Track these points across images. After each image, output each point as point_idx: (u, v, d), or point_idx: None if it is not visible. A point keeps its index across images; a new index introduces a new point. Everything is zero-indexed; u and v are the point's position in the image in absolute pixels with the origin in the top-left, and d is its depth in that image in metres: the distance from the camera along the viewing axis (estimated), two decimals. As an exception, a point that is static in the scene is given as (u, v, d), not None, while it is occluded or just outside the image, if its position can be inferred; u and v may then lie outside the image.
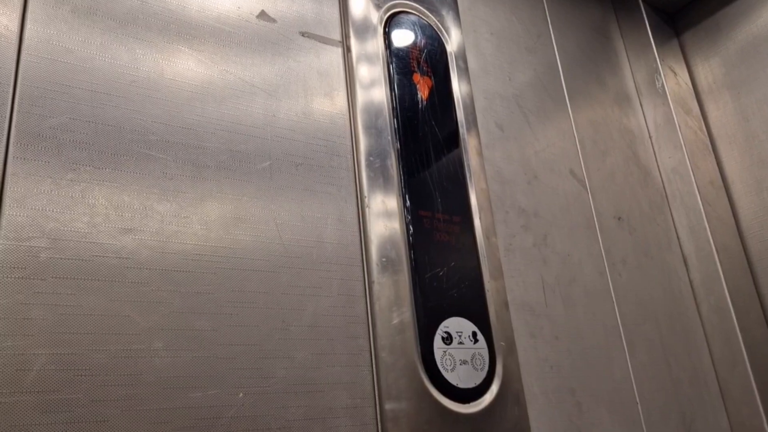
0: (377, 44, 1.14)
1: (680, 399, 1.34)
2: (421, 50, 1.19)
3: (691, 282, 1.52)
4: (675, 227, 1.57)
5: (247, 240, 0.88)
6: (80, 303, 0.73)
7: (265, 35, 1.04)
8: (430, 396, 0.93)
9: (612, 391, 1.22)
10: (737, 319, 1.42)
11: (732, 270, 1.49)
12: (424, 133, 1.12)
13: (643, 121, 1.68)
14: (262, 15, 1.05)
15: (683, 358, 1.40)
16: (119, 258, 0.78)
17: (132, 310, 0.76)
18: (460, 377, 0.96)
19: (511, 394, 1.01)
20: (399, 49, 1.16)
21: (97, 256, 0.76)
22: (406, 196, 1.05)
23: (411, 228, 1.03)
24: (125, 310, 0.76)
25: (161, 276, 0.80)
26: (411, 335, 0.95)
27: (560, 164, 1.40)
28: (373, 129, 1.07)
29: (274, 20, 1.06)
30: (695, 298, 1.51)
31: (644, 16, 1.72)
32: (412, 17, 1.22)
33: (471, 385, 0.97)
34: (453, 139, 1.16)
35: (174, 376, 0.76)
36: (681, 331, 1.43)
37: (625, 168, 1.55)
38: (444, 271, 1.03)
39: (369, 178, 1.03)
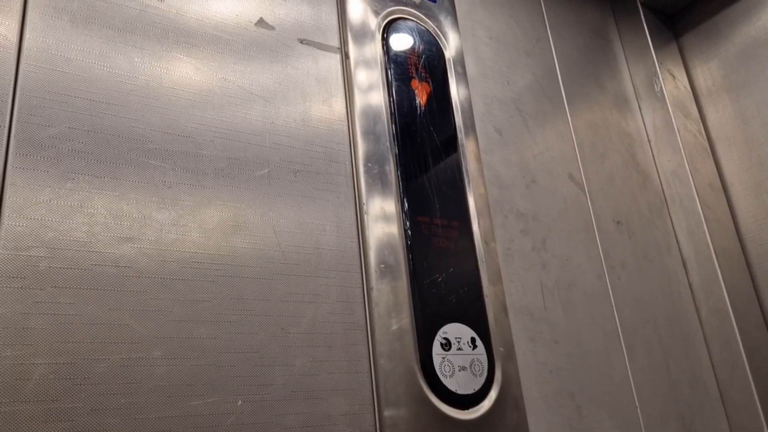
0: (375, 50, 1.15)
1: (680, 402, 1.34)
2: (419, 56, 1.20)
3: (690, 285, 1.52)
4: (674, 230, 1.57)
5: (245, 247, 0.89)
6: (79, 312, 0.74)
7: (263, 42, 1.04)
8: (429, 402, 0.93)
9: (611, 395, 1.22)
10: (736, 321, 1.42)
11: (731, 273, 1.49)
12: (422, 138, 1.13)
13: (642, 125, 1.68)
14: (261, 23, 1.05)
15: (682, 361, 1.40)
16: (118, 267, 0.78)
17: (131, 318, 0.77)
18: (458, 383, 0.96)
19: (510, 400, 1.02)
20: (397, 55, 1.17)
21: (96, 265, 0.77)
22: (405, 202, 1.05)
23: (409, 234, 1.03)
24: (124, 318, 0.76)
25: (160, 284, 0.80)
26: (410, 341, 0.95)
27: (559, 168, 1.40)
28: (371, 135, 1.08)
29: (272, 27, 1.06)
30: (694, 301, 1.51)
31: (642, 18, 1.72)
32: (410, 23, 1.22)
33: (470, 391, 0.97)
34: (451, 144, 1.17)
35: (173, 384, 0.77)
36: (680, 334, 1.44)
37: (624, 171, 1.55)
38: (443, 277, 1.03)
39: (367, 183, 1.04)
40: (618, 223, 1.45)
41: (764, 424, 1.36)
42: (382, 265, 0.98)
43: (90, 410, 0.71)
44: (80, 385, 0.71)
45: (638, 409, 1.24)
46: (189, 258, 0.84)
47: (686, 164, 1.56)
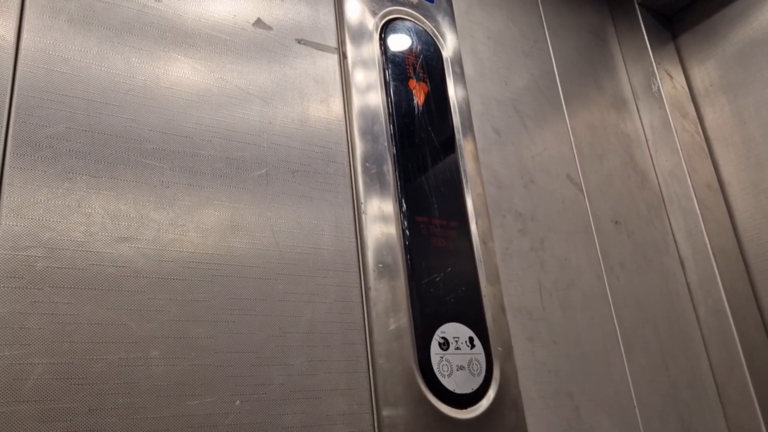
0: (373, 50, 1.15)
1: (678, 402, 1.34)
2: (417, 56, 1.20)
3: (688, 285, 1.52)
4: (672, 230, 1.58)
5: (243, 247, 0.89)
6: (77, 312, 0.74)
7: (261, 43, 1.04)
8: (428, 402, 0.93)
9: (610, 395, 1.22)
10: (734, 321, 1.43)
11: (729, 273, 1.49)
12: (420, 138, 1.13)
13: (640, 125, 1.68)
14: (258, 23, 1.05)
15: (681, 362, 1.40)
16: (116, 267, 0.78)
17: (129, 318, 0.77)
18: (457, 383, 0.96)
19: (509, 399, 1.02)
20: (395, 55, 1.17)
21: (93, 264, 0.77)
22: (403, 202, 1.05)
23: (408, 233, 1.03)
24: (122, 318, 0.76)
25: (158, 284, 0.80)
26: (408, 341, 0.95)
27: (557, 168, 1.40)
28: (369, 135, 1.08)
29: (270, 28, 1.06)
30: (693, 301, 1.51)
31: (640, 19, 1.72)
32: (408, 23, 1.22)
33: (468, 390, 0.97)
34: (449, 144, 1.17)
35: (171, 383, 0.77)
36: (679, 334, 1.44)
37: (622, 172, 1.55)
38: (441, 277, 1.03)
39: (365, 184, 1.04)
40: (616, 223, 1.45)
41: (762, 423, 1.36)
42: (380, 265, 0.98)
43: (88, 410, 0.71)
44: (78, 385, 0.71)
45: (637, 409, 1.25)
46: (187, 258, 0.83)
47: (684, 164, 1.56)
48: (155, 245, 0.82)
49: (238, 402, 0.80)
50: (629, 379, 1.27)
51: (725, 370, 1.43)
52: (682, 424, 1.32)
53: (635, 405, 1.25)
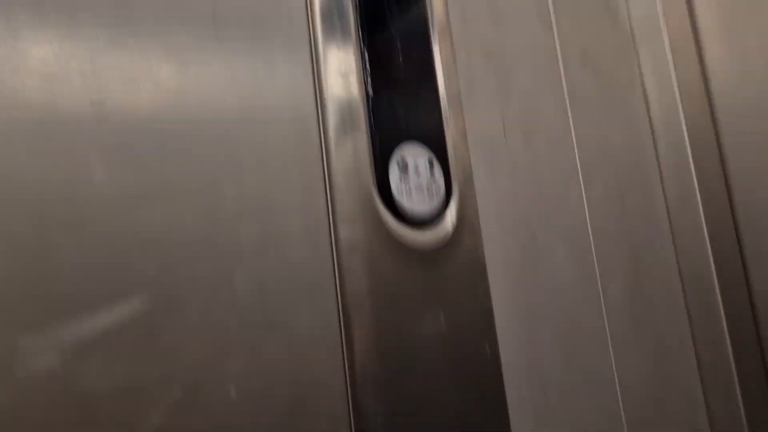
0: None
1: (630, 231, 1.38)
2: None
3: (651, 122, 1.52)
4: (640, 67, 1.55)
5: (191, 89, 0.83)
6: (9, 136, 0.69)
7: None
8: (385, 222, 0.93)
9: (566, 222, 1.25)
10: (693, 157, 1.44)
11: (692, 110, 1.49)
12: (380, -47, 1.04)
13: (615, -47, 1.59)
14: None
15: (637, 195, 1.43)
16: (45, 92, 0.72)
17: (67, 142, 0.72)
18: (414, 203, 0.96)
19: (467, 223, 1.02)
20: None
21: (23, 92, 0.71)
22: (363, 29, 0.99)
23: (367, 59, 0.98)
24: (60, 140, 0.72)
25: (96, 107, 0.75)
26: (365, 162, 0.93)
27: (527, 3, 1.33)
28: (324, -53, 0.99)
29: None
30: (653, 135, 1.51)
31: None
32: None
33: (426, 211, 0.97)
34: (412, -37, 1.08)
35: (117, 197, 0.74)
36: (637, 169, 1.45)
37: (595, 8, 1.49)
38: (402, 102, 1.00)
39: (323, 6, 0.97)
40: (584, 59, 1.41)
41: (711, 255, 1.42)
42: (338, 90, 0.94)
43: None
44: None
45: (591, 235, 1.28)
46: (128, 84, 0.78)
47: (657, 3, 1.50)
48: (97, 83, 0.76)
49: (189, 217, 0.78)
50: (586, 208, 1.29)
51: (679, 203, 1.46)
52: (632, 252, 1.37)
53: (589, 232, 1.28)
